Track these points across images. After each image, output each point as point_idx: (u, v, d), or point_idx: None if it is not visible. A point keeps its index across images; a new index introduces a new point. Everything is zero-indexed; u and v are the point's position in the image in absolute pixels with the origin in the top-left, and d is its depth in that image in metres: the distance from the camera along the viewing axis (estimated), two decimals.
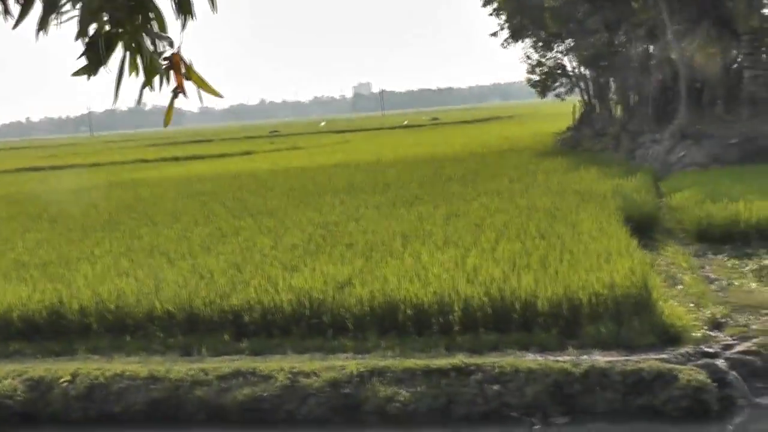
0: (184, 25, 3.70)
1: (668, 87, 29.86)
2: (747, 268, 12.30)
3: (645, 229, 14.70)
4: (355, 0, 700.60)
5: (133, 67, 3.69)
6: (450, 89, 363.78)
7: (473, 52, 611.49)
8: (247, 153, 49.59)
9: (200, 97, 3.84)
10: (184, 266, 12.47)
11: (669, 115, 28.30)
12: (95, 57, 3.62)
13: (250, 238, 14.71)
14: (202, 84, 3.83)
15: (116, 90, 3.72)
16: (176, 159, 48.52)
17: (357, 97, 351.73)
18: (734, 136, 23.84)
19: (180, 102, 3.81)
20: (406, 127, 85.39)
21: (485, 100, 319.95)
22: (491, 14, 42.05)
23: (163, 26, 3.69)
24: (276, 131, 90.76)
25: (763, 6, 27.31)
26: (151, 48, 3.69)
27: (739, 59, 27.90)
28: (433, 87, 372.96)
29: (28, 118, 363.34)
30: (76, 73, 3.67)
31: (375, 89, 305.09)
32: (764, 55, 27.52)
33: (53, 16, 3.56)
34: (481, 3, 42.31)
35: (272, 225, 16.24)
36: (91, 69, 3.67)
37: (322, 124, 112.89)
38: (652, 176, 21.89)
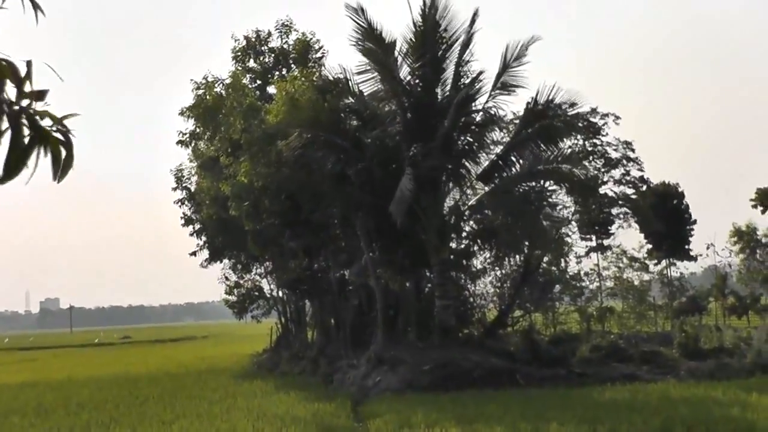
0: None
1: (365, 313, 30.85)
2: None
3: None
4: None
5: None
6: (142, 307, 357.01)
7: (167, 271, 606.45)
8: None
9: None
10: None
11: (366, 341, 29.05)
12: None
13: None
14: None
15: None
16: None
17: (44, 312, 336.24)
18: (427, 362, 24.69)
19: None
20: (98, 345, 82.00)
21: (179, 319, 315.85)
22: (192, 234, 42.20)
23: None
24: None
25: (452, 240, 29.34)
26: None
27: (428, 288, 29.49)
28: (125, 305, 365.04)
29: None
30: None
31: (63, 305, 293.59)
32: (453, 285, 29.30)
33: None
34: (180, 222, 42.49)
35: None
36: None
37: (6, 340, 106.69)
38: (350, 401, 22.03)
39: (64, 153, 3.84)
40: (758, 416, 15.37)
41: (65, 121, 3.84)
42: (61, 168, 3.82)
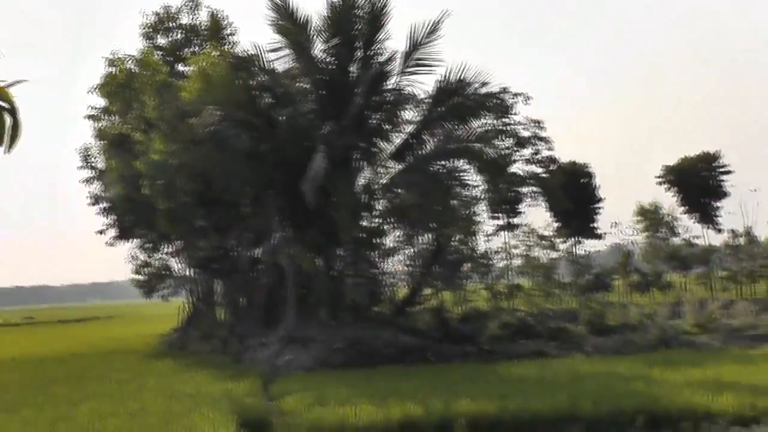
0: None
1: (276, 291, 30.76)
2: None
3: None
4: None
5: None
6: (45, 287, 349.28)
7: (70, 250, 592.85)
8: None
9: None
10: None
11: (277, 319, 28.99)
12: None
13: None
14: None
15: None
16: None
17: None
18: (339, 341, 24.80)
19: None
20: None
21: (84, 299, 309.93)
22: (99, 213, 41.41)
23: None
24: None
25: (363, 218, 29.42)
26: None
27: (340, 267, 29.54)
28: (27, 285, 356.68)
29: None
30: None
31: None
32: (364, 264, 29.44)
33: None
34: (88, 201, 41.65)
35: None
36: None
37: None
38: (262, 380, 21.98)
39: (10, 121, 3.72)
40: (661, 390, 15.88)
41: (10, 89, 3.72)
42: (9, 137, 3.70)
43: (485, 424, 13.89)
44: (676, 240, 50.46)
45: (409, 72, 28.10)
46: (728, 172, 47.45)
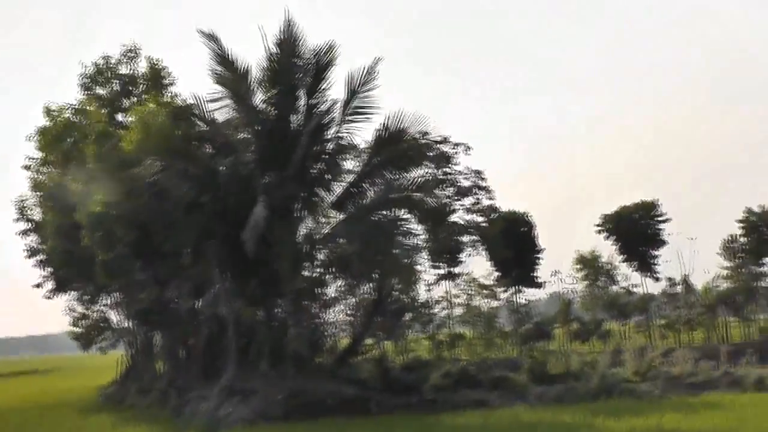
0: None
1: (217, 343, 30.37)
2: None
3: None
4: None
5: None
6: None
7: (4, 303, 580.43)
8: None
9: None
10: None
11: (217, 371, 28.59)
12: None
13: None
14: None
15: None
16: None
17: None
18: (280, 392, 24.53)
19: None
20: None
21: (18, 352, 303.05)
22: (35, 266, 40.71)
23: None
24: None
25: (305, 268, 29.31)
26: None
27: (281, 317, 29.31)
28: None
29: None
30: None
31: None
32: (305, 314, 29.24)
33: None
34: (24, 254, 40.97)
35: None
36: None
37: None
38: None
39: None
40: None
41: None
42: None
43: None
44: (615, 288, 51.06)
45: (349, 120, 28.22)
46: (665, 221, 48.27)
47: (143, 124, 28.34)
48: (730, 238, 48.52)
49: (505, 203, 50.63)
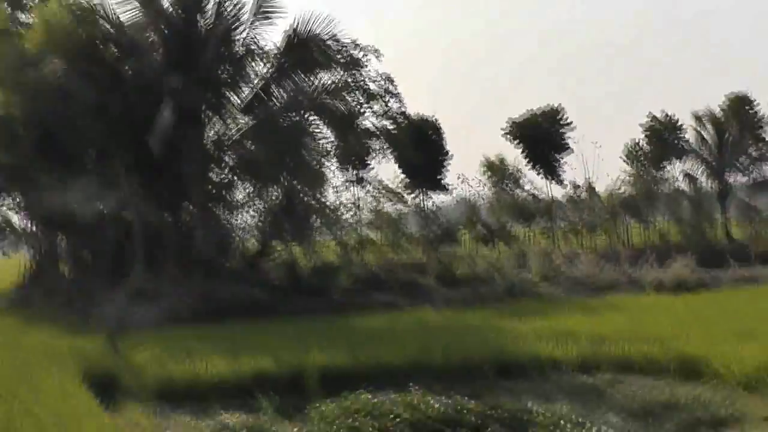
0: None
1: (123, 246, 30.11)
2: (204, 424, 12.38)
3: (108, 388, 14.33)
4: None
5: None
6: None
7: None
8: None
9: None
10: None
11: (124, 275, 28.44)
12: None
13: None
14: None
15: None
16: None
17: None
18: (188, 294, 24.62)
19: None
20: None
21: None
22: None
23: None
24: None
25: (213, 172, 29.14)
26: None
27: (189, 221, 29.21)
28: None
29: None
30: None
31: None
32: (213, 218, 29.16)
33: None
34: None
35: None
36: None
37: None
38: (110, 335, 21.58)
39: None
40: (510, 340, 16.48)
41: None
42: None
43: (337, 375, 14.06)
44: (521, 193, 51.75)
45: (259, 22, 27.85)
46: (569, 125, 48.94)
47: (45, 24, 27.40)
48: (632, 144, 49.67)
49: (414, 109, 50.22)
